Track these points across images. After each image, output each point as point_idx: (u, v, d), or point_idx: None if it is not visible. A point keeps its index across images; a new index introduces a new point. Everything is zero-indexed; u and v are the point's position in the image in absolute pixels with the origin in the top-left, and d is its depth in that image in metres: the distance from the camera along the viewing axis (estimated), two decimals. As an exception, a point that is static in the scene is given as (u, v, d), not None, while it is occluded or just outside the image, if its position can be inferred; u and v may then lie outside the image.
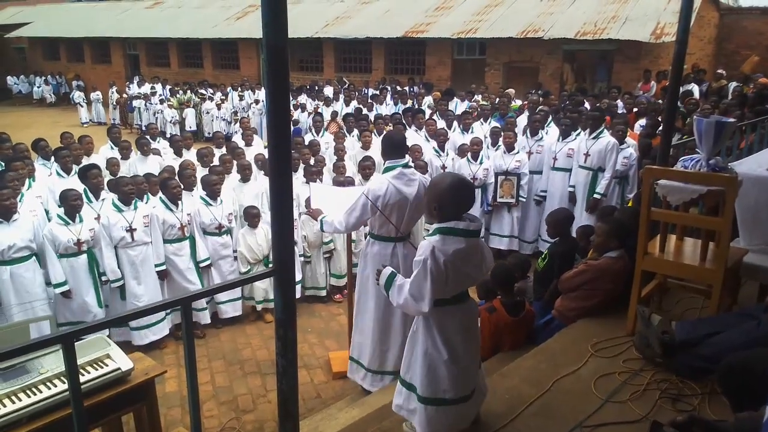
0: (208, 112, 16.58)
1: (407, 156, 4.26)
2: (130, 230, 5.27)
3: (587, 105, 9.92)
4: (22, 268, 4.88)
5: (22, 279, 4.87)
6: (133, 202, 5.37)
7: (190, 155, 7.69)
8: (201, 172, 6.50)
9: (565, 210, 5.53)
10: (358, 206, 4.01)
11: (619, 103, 10.44)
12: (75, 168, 6.50)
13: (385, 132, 7.86)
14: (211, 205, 5.79)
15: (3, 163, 6.40)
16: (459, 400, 2.67)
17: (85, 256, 5.16)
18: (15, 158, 6.16)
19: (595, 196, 6.59)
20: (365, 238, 4.41)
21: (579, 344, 3.63)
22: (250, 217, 5.93)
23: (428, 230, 2.69)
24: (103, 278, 5.28)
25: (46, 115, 21.82)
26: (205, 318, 5.74)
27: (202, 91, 17.66)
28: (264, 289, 5.99)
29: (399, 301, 2.65)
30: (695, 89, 11.69)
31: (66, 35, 26.36)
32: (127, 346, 4.89)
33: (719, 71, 13.66)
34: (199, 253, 5.71)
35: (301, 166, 6.89)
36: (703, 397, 3.01)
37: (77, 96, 20.85)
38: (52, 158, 6.86)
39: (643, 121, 8.50)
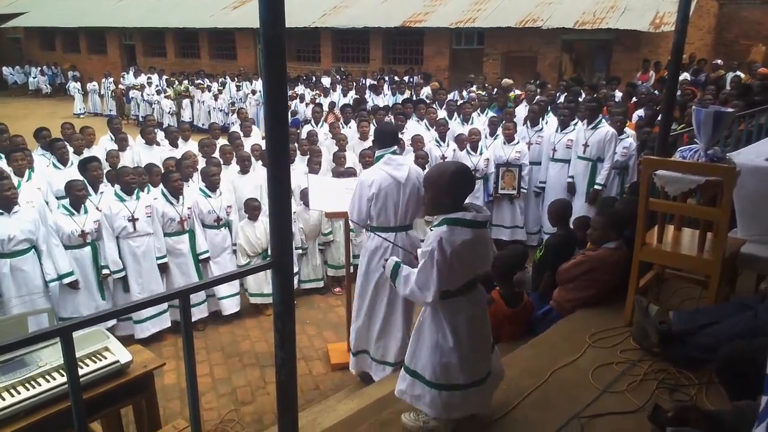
0: (203, 102, 16.47)
1: (397, 145, 4.26)
2: (132, 220, 5.26)
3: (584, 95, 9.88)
4: (22, 261, 4.86)
5: (22, 272, 4.85)
6: (135, 191, 5.36)
7: (189, 146, 7.66)
8: (202, 163, 6.48)
9: (563, 200, 5.54)
10: (354, 200, 4.08)
11: (618, 93, 10.40)
12: (72, 159, 6.47)
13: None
14: (210, 196, 5.77)
15: (2, 155, 6.38)
16: (471, 385, 2.69)
17: (89, 248, 5.16)
18: (13, 149, 6.12)
19: (596, 186, 6.58)
20: (365, 231, 4.41)
21: (577, 335, 3.64)
22: (251, 209, 5.91)
23: (430, 221, 2.67)
24: (104, 271, 5.27)
25: (41, 106, 21.71)
26: (201, 312, 5.71)
27: (199, 81, 17.56)
28: (256, 282, 5.97)
29: (405, 291, 2.68)
30: (686, 76, 11.65)
31: (62, 25, 26.17)
32: (129, 340, 4.91)
33: (716, 61, 13.62)
34: (199, 245, 5.69)
35: (299, 157, 6.87)
36: (701, 387, 3.02)
37: (73, 87, 20.74)
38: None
39: (641, 112, 8.48)
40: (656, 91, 9.77)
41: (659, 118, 5.31)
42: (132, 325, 5.38)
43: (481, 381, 2.73)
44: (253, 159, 6.82)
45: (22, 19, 27.40)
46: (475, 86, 12.75)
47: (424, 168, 6.38)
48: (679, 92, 8.22)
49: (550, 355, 3.46)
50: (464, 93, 12.26)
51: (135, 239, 5.33)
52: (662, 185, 3.36)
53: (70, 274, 5.03)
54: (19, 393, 2.73)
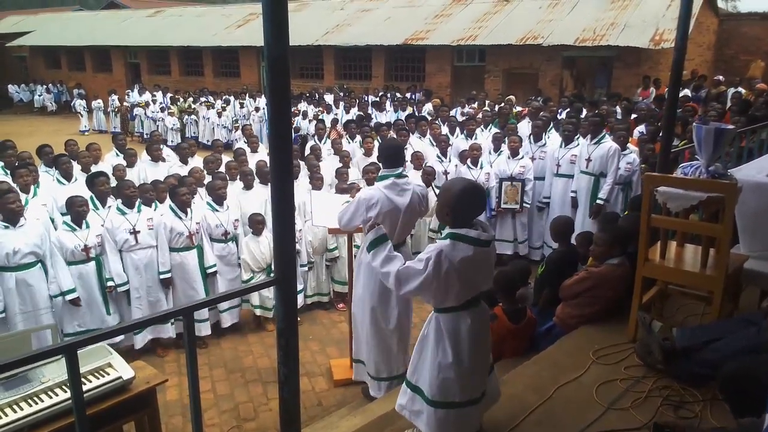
0: (208, 119, 16.59)
1: (403, 165, 4.25)
2: (134, 232, 5.28)
3: (585, 111, 9.93)
4: (28, 275, 4.85)
5: (28, 286, 4.86)
6: (137, 204, 5.38)
7: (194, 162, 7.70)
8: (207, 179, 6.50)
9: (565, 217, 5.55)
10: (349, 210, 4.07)
11: (619, 109, 10.44)
12: (75, 175, 6.51)
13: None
14: (217, 210, 5.80)
15: (8, 171, 6.42)
16: (468, 403, 2.69)
17: (93, 263, 5.17)
18: (20, 165, 6.17)
19: (598, 201, 6.59)
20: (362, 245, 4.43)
21: (580, 351, 3.63)
22: (255, 224, 5.92)
23: (435, 231, 2.72)
24: (109, 283, 5.26)
25: (47, 124, 21.87)
26: (205, 329, 5.68)
27: (203, 99, 17.70)
28: (258, 295, 5.97)
29: (380, 268, 2.71)
30: (687, 93, 11.71)
31: (67, 44, 26.48)
32: (131, 353, 4.90)
33: (717, 77, 13.69)
34: (207, 259, 5.70)
35: (304, 173, 6.90)
36: (705, 404, 3.01)
37: (78, 104, 20.90)
38: (54, 165, 6.86)
39: (642, 128, 8.51)
40: (656, 108, 9.79)
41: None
42: (131, 335, 5.36)
43: (477, 400, 2.73)
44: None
45: (27, 38, 27.73)
46: (476, 103, 12.79)
47: (429, 185, 6.45)
48: (680, 109, 8.26)
49: (553, 371, 3.45)
50: (465, 109, 12.28)
51: (137, 252, 5.35)
52: (664, 201, 3.38)
53: (73, 290, 5.04)
54: (21, 409, 2.73)
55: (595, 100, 12.26)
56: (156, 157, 7.78)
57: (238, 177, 6.68)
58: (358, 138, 8.89)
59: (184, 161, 7.79)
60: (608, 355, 3.55)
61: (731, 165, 5.29)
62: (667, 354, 3.23)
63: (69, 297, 5.03)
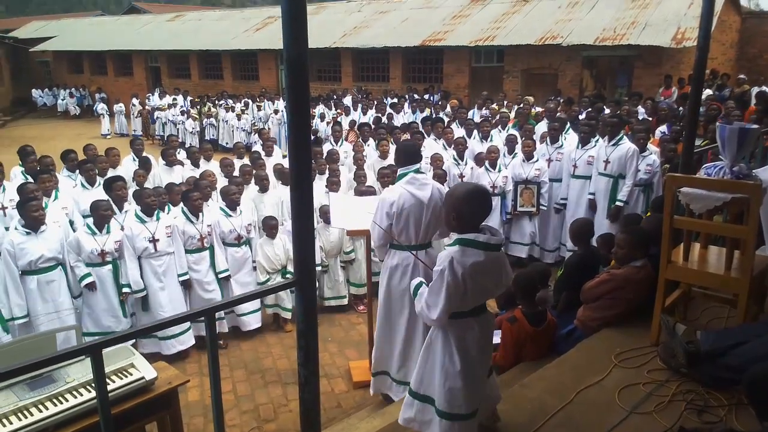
0: (227, 122, 16.75)
1: (420, 162, 4.20)
2: (153, 241, 5.35)
3: (607, 111, 9.84)
4: (49, 277, 4.98)
5: (49, 288, 4.97)
6: (156, 213, 5.44)
7: (211, 166, 7.78)
8: (223, 182, 6.56)
9: (585, 219, 5.50)
10: (375, 219, 4.04)
11: (641, 109, 10.32)
12: (99, 180, 6.60)
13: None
14: (230, 215, 5.84)
15: (27, 176, 6.54)
16: (471, 415, 2.66)
17: (109, 266, 5.25)
18: (42, 171, 6.29)
19: (617, 203, 6.51)
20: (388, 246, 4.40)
21: (602, 354, 3.59)
22: (269, 227, 5.97)
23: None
24: (125, 290, 5.33)
25: (69, 128, 22.25)
26: (222, 327, 5.73)
27: (222, 102, 17.87)
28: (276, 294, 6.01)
29: (418, 309, 2.69)
30: (708, 91, 11.53)
31: (89, 49, 26.93)
32: (154, 357, 4.95)
33: (741, 76, 13.47)
34: (219, 264, 5.74)
35: (318, 175, 6.94)
36: (730, 408, 2.95)
37: (101, 108, 21.23)
38: (77, 170, 6.97)
39: (663, 128, 8.40)
40: (680, 108, 9.66)
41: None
42: (157, 342, 5.42)
43: (475, 412, 2.69)
44: (273, 178, 6.87)
45: (51, 43, 28.24)
46: (495, 104, 12.73)
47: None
48: (703, 108, 8.14)
49: (574, 375, 3.41)
50: (483, 111, 12.22)
51: (157, 259, 5.41)
52: (687, 203, 3.32)
53: (88, 275, 5.13)
54: (47, 408, 2.77)
55: (618, 99, 12.14)
56: (171, 162, 7.87)
57: (254, 180, 6.72)
58: (372, 141, 8.91)
59: (196, 165, 7.86)
60: (631, 358, 3.50)
61: (755, 165, 5.19)
62: (691, 358, 3.18)
63: (85, 282, 5.12)
